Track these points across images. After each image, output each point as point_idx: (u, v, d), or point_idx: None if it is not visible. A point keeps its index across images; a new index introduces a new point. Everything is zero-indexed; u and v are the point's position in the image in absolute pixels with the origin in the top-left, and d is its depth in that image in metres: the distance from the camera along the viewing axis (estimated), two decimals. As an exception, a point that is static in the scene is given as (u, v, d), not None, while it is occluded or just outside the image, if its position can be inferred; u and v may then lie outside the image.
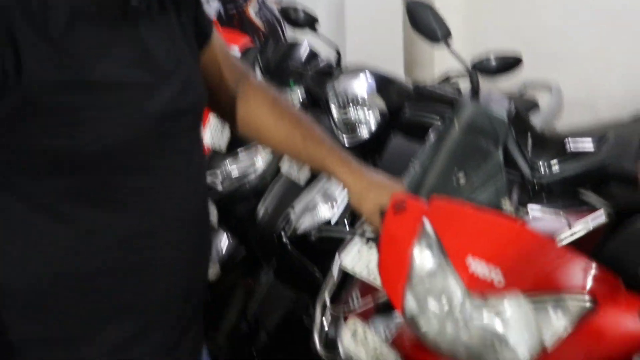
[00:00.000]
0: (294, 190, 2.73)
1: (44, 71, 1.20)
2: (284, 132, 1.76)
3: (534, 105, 3.37)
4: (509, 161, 2.10)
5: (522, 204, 2.07)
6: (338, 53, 3.28)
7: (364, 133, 2.69)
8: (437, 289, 1.45)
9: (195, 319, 1.60)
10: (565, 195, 2.20)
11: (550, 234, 1.76)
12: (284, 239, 2.65)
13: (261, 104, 1.77)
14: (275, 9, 4.37)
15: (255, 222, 2.77)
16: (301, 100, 3.10)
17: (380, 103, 2.69)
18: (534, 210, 2.04)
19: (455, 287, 1.43)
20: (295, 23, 3.29)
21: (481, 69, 2.64)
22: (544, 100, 3.45)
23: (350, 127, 2.71)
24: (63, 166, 1.30)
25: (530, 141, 2.21)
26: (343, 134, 2.70)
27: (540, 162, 2.16)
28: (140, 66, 1.38)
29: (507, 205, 1.92)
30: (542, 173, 2.13)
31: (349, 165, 1.73)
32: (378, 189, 1.64)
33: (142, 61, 1.39)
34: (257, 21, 4.33)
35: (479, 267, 1.44)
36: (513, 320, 1.41)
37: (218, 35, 1.69)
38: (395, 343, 1.56)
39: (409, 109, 2.71)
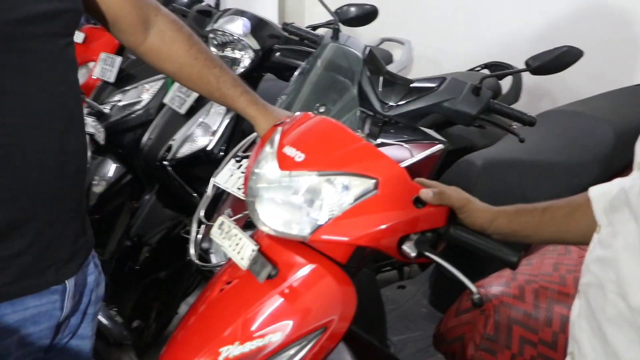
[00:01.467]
0: (176, 121, 2.85)
1: None
2: (198, 71, 1.83)
3: (388, 57, 3.57)
4: (364, 99, 2.31)
5: (373, 135, 2.31)
6: (217, -4, 3.28)
7: (237, 71, 2.78)
8: (263, 174, 1.64)
9: (73, 221, 1.65)
10: (410, 130, 2.41)
11: (394, 160, 1.84)
12: (166, 165, 2.78)
13: (177, 40, 1.82)
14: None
15: (141, 150, 2.88)
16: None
17: (254, 43, 2.79)
18: (384, 141, 2.26)
19: (274, 168, 1.61)
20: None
21: (342, 14, 2.74)
22: (397, 54, 3.68)
23: (227, 64, 2.58)
24: None
25: (381, 81, 2.40)
26: (219, 70, 2.78)
27: (390, 100, 2.35)
28: None
29: (362, 136, 2.07)
30: (391, 108, 2.32)
31: (256, 104, 1.85)
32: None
33: None
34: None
35: (289, 150, 1.61)
36: (304, 190, 1.58)
37: None
38: (254, 236, 1.67)
39: (280, 51, 2.84)
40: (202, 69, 1.85)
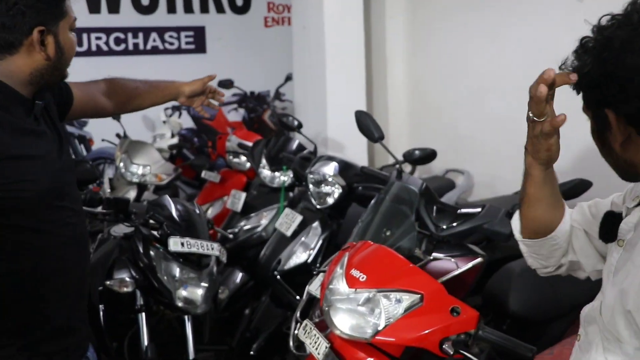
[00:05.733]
0: (284, 240, 2.78)
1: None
2: (144, 95, 1.95)
3: (452, 184, 3.42)
4: (421, 223, 2.21)
5: (428, 251, 2.16)
6: (315, 147, 3.28)
7: (329, 201, 2.70)
8: (335, 289, 1.63)
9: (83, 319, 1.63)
10: (458, 246, 2.30)
11: (444, 270, 1.85)
12: (276, 275, 2.71)
13: (119, 93, 1.91)
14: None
15: (258, 262, 2.82)
16: (290, 179, 3.13)
17: (341, 181, 2.70)
18: (436, 255, 2.11)
19: (344, 286, 1.61)
20: (287, 126, 3.30)
21: (408, 156, 2.66)
22: (459, 181, 3.51)
23: (322, 196, 2.73)
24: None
25: (435, 209, 2.29)
26: (315, 202, 2.72)
27: (442, 223, 2.24)
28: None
29: (419, 253, 2.02)
30: (442, 230, 2.21)
31: (174, 82, 1.97)
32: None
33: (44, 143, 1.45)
34: (270, 123, 4.12)
35: (354, 272, 1.62)
36: (367, 302, 1.58)
37: (75, 87, 1.73)
38: (328, 336, 1.66)
39: (361, 186, 2.73)
40: (144, 94, 1.97)
